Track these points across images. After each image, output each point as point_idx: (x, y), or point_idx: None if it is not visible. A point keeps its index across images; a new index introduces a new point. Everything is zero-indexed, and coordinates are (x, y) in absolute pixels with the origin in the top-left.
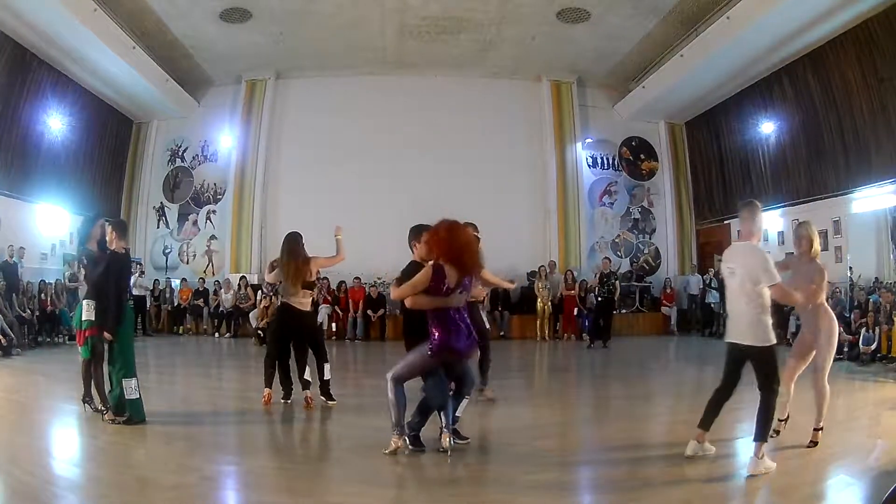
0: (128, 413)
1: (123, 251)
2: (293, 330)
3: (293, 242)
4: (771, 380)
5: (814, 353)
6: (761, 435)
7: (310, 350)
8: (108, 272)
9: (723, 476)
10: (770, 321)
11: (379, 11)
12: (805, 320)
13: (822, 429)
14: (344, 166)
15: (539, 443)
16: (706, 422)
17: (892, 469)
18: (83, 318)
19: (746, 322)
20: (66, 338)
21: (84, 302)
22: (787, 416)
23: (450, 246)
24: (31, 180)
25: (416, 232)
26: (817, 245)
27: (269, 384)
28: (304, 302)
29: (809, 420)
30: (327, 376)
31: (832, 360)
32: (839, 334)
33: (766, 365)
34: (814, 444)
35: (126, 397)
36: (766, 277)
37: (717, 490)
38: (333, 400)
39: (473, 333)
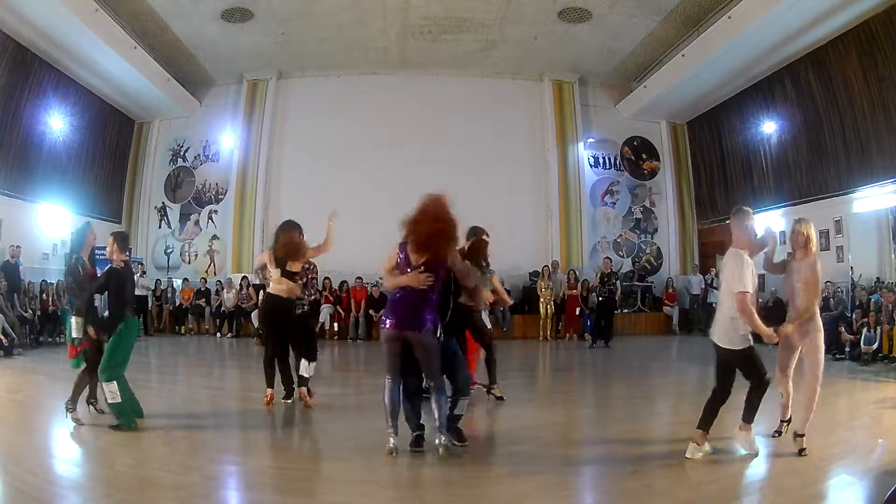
0: (117, 420)
1: (122, 265)
2: (279, 317)
3: (288, 225)
4: (756, 376)
5: (799, 348)
6: (745, 416)
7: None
8: (106, 289)
9: (725, 476)
10: (743, 327)
11: (381, 11)
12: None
13: (804, 435)
14: (346, 166)
15: (541, 442)
16: (704, 423)
17: (893, 469)
18: (73, 336)
19: (723, 325)
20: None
21: (73, 319)
22: (790, 418)
23: (410, 223)
24: (32, 180)
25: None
26: (814, 243)
27: (270, 384)
28: (282, 289)
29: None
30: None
31: (822, 365)
32: (840, 334)
33: (745, 366)
34: (801, 451)
35: (108, 401)
36: (734, 283)
37: (720, 489)
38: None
39: (421, 315)
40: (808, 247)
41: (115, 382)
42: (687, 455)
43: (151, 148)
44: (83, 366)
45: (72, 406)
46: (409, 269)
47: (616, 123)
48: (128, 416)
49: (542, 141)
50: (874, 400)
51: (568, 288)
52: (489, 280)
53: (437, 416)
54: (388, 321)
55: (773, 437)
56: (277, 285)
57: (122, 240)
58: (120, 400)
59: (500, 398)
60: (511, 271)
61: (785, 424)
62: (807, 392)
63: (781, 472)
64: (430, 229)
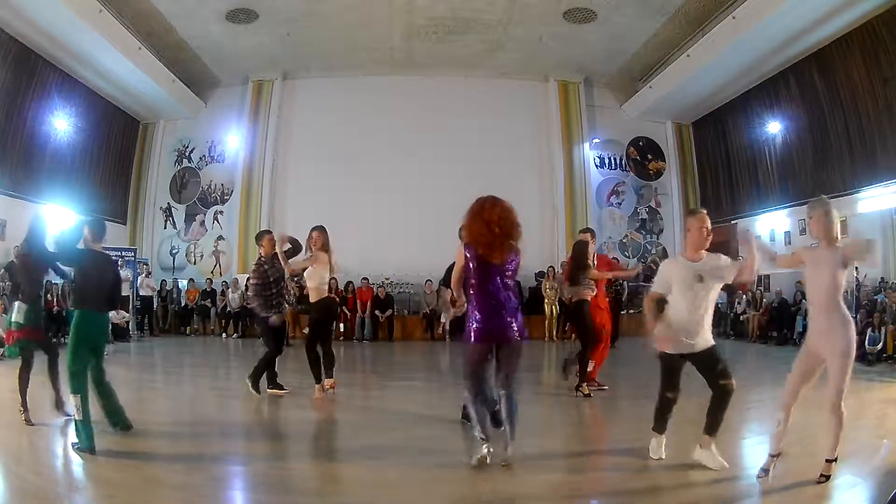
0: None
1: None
2: (333, 316)
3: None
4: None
5: (821, 368)
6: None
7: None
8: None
9: (730, 476)
10: (662, 328)
11: (386, 12)
12: (817, 325)
13: (836, 460)
14: (351, 166)
15: (545, 443)
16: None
17: None
18: (12, 319)
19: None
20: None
21: (17, 304)
22: (780, 454)
23: (471, 229)
24: (37, 181)
25: None
26: (836, 228)
27: (320, 378)
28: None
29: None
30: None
31: (850, 376)
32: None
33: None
34: (825, 477)
35: (73, 414)
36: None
37: (725, 490)
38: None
39: (507, 318)
40: (827, 234)
41: (77, 396)
42: (695, 457)
43: (156, 149)
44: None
45: (22, 408)
46: (477, 268)
47: (621, 124)
48: (86, 436)
49: (547, 141)
50: (879, 400)
51: None
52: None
53: (509, 424)
54: (480, 332)
55: (760, 477)
56: (326, 286)
57: (96, 227)
58: (80, 418)
59: (588, 395)
60: None
61: (775, 460)
62: (832, 410)
63: (786, 473)
64: (493, 233)
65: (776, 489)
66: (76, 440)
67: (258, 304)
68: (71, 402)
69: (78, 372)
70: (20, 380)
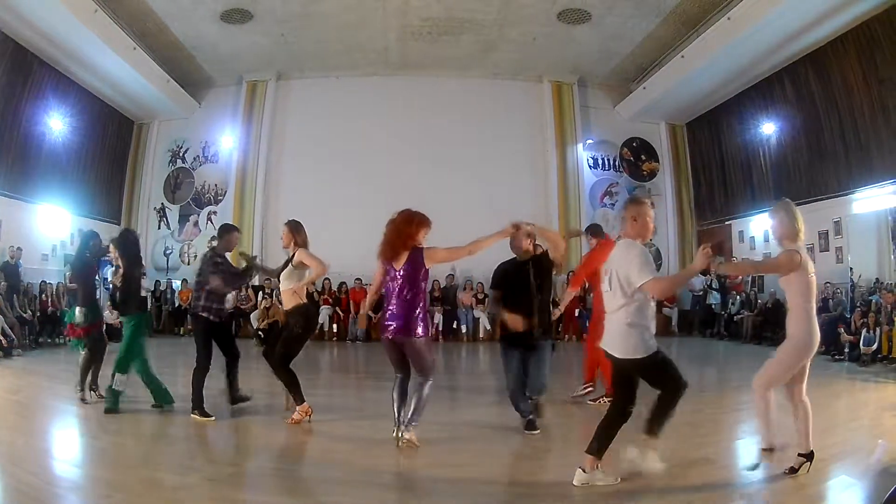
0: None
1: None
2: None
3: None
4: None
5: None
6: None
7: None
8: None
9: (724, 477)
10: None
11: (381, 12)
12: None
13: (809, 457)
14: (345, 167)
15: (540, 443)
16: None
17: (893, 469)
18: (75, 321)
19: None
20: (68, 339)
21: (76, 308)
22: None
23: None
24: (32, 181)
25: None
26: (790, 229)
27: (303, 398)
28: None
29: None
30: None
31: (784, 374)
32: (840, 335)
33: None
34: (793, 470)
35: (112, 385)
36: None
37: (719, 491)
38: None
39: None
40: (782, 235)
41: (125, 375)
42: (575, 483)
43: (151, 149)
44: (83, 350)
45: (80, 387)
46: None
47: (615, 125)
48: (115, 401)
49: (541, 142)
50: (874, 401)
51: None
52: None
53: (413, 410)
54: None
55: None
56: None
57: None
58: (121, 389)
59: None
60: None
61: (807, 464)
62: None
63: (781, 474)
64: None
65: (774, 490)
66: (107, 405)
67: (228, 283)
68: (117, 379)
69: (131, 359)
70: (84, 367)
